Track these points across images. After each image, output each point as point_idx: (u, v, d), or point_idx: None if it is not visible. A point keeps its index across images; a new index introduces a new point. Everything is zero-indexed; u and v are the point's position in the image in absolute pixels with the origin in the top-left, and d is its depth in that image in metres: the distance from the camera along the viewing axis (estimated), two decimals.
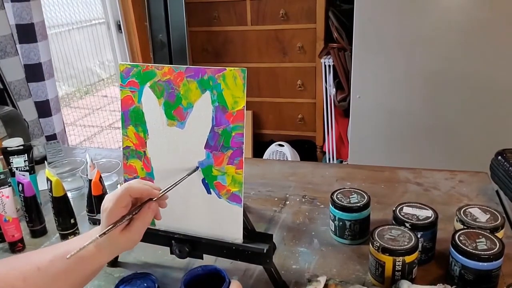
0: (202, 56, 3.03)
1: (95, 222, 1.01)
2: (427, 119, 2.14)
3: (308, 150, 3.03)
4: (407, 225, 0.79)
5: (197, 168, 0.74)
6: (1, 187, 0.92)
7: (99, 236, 0.61)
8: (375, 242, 0.74)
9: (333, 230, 0.91)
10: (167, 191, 0.68)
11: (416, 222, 0.79)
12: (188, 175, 0.73)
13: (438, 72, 2.05)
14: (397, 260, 0.72)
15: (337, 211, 0.88)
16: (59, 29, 3.15)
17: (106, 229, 0.62)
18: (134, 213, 0.65)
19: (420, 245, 0.75)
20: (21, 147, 1.08)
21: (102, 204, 0.66)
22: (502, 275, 0.75)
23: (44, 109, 1.91)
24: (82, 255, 0.63)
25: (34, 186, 1.01)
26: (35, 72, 1.83)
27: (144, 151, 0.79)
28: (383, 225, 0.78)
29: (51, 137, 1.96)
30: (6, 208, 0.93)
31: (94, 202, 0.95)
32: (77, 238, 0.70)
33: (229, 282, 0.65)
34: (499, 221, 0.78)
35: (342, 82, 2.56)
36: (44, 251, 0.68)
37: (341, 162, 2.77)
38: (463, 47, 1.98)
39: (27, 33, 1.77)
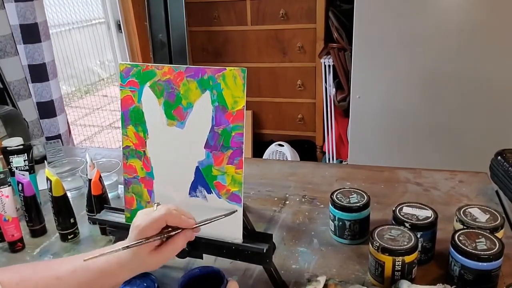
0: (202, 56, 3.03)
1: (95, 222, 1.01)
2: (427, 119, 2.14)
3: (308, 150, 3.03)
4: (407, 225, 0.79)
5: (235, 211, 0.72)
6: (1, 187, 0.92)
7: (122, 248, 0.60)
8: (374, 242, 0.74)
9: (333, 230, 0.91)
10: (203, 225, 0.67)
11: (416, 222, 0.79)
12: (225, 216, 0.70)
13: (438, 72, 2.05)
14: (396, 260, 0.72)
15: (337, 211, 0.88)
16: (59, 28, 3.15)
17: (131, 244, 0.61)
18: (165, 236, 0.64)
19: (419, 245, 0.75)
20: (21, 147, 1.08)
21: (135, 219, 0.65)
22: (502, 275, 0.75)
23: (48, 109, 1.90)
24: (104, 269, 0.63)
25: (34, 186, 1.01)
26: (39, 72, 1.82)
27: (144, 151, 0.79)
28: (382, 225, 0.78)
29: (56, 138, 1.95)
30: (6, 207, 0.93)
31: (94, 202, 0.95)
32: (98, 250, 0.68)
33: (227, 282, 0.65)
34: (498, 221, 0.78)
35: (342, 82, 2.56)
36: (64, 261, 0.67)
37: (341, 162, 2.77)
38: (463, 47, 1.98)
39: (31, 33, 1.77)
